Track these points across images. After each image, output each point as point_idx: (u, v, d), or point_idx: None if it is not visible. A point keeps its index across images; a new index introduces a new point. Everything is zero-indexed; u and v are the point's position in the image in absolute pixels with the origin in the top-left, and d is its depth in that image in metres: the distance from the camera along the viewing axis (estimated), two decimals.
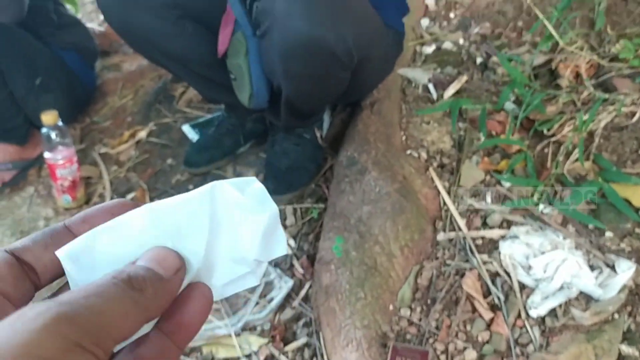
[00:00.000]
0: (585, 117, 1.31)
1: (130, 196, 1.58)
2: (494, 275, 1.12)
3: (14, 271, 0.25)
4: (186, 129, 1.74)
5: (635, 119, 1.33)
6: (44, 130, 1.48)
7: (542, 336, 1.03)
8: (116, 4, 1.33)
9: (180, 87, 1.92)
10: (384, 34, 1.37)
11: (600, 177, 1.23)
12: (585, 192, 1.17)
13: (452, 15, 1.89)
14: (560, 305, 1.04)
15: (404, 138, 1.43)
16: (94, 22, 2.57)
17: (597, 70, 1.50)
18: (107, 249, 0.26)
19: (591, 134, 1.32)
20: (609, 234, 1.15)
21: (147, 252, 0.26)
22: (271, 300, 1.26)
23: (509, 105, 1.47)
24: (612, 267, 1.07)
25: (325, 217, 1.31)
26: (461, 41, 1.77)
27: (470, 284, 1.08)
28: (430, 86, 1.59)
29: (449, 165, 1.36)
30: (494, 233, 1.18)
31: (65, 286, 0.26)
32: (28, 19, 1.55)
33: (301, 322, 1.21)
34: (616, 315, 1.02)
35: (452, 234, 1.20)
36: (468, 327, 1.07)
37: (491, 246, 1.17)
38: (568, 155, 1.29)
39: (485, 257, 1.15)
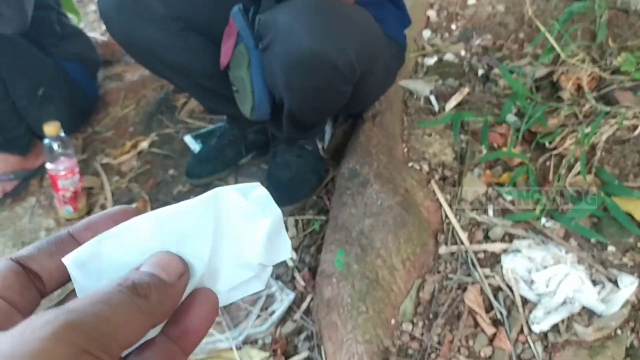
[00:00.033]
0: (587, 130, 1.31)
1: None
2: (496, 290, 1.11)
3: (20, 279, 0.25)
4: (188, 139, 1.74)
5: (637, 132, 1.33)
6: (46, 141, 1.48)
7: (545, 352, 1.02)
8: (118, 15, 1.34)
9: (182, 97, 1.93)
10: (386, 47, 1.38)
11: (602, 190, 1.23)
12: (588, 206, 1.16)
13: (453, 26, 1.90)
14: (562, 321, 1.03)
15: (405, 150, 1.43)
16: (97, 31, 2.58)
17: (599, 83, 1.51)
18: (112, 255, 0.26)
19: (593, 147, 1.32)
20: (611, 248, 1.15)
21: (151, 258, 0.26)
22: (272, 313, 1.26)
23: (511, 118, 1.47)
24: (615, 282, 1.07)
25: (327, 229, 1.31)
26: (463, 53, 1.78)
27: (472, 299, 1.08)
28: (432, 98, 1.59)
29: (451, 178, 1.36)
30: (496, 247, 1.18)
31: (72, 294, 0.27)
32: (31, 29, 1.56)
33: (302, 336, 1.21)
34: (619, 331, 1.01)
35: (454, 248, 1.20)
36: (470, 343, 1.06)
37: (493, 260, 1.17)
38: (570, 168, 1.29)
39: (487, 271, 1.14)
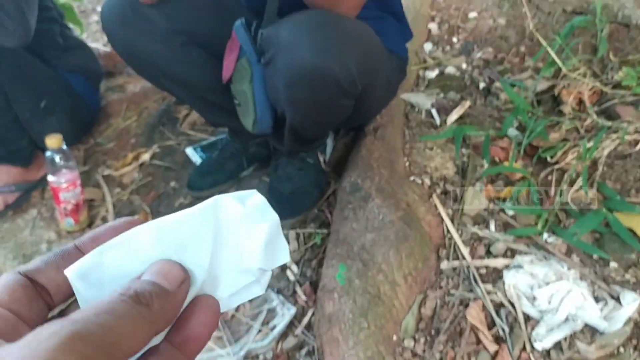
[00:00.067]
0: (589, 145, 1.31)
1: None
2: (499, 306, 1.11)
3: (27, 292, 0.26)
4: (190, 151, 1.74)
5: (638, 147, 1.33)
6: (48, 153, 1.48)
7: None
8: (121, 28, 1.34)
9: (183, 109, 1.93)
10: (387, 61, 1.38)
11: (604, 206, 1.23)
12: (590, 221, 1.16)
13: (454, 39, 1.90)
14: (565, 338, 1.03)
15: (407, 164, 1.43)
16: (99, 42, 2.59)
17: (600, 97, 1.51)
18: (114, 265, 0.27)
19: (595, 162, 1.32)
20: (613, 264, 1.14)
21: (151, 266, 0.26)
22: (273, 328, 1.25)
23: (512, 132, 1.47)
24: (617, 299, 1.07)
25: (329, 243, 1.31)
26: (464, 66, 1.78)
27: (474, 315, 1.08)
28: (434, 111, 1.60)
29: (453, 192, 1.35)
30: (498, 262, 1.18)
31: (74, 304, 0.27)
32: (34, 42, 1.56)
33: (304, 351, 1.20)
34: (621, 349, 1.01)
35: (456, 263, 1.20)
36: None
37: (495, 275, 1.17)
38: (572, 183, 1.29)
39: (489, 286, 1.14)
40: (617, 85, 1.50)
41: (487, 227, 1.27)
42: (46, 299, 0.27)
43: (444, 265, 1.20)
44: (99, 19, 3.01)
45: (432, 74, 1.76)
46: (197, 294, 0.28)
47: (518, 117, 1.47)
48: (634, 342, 1.02)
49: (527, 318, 1.08)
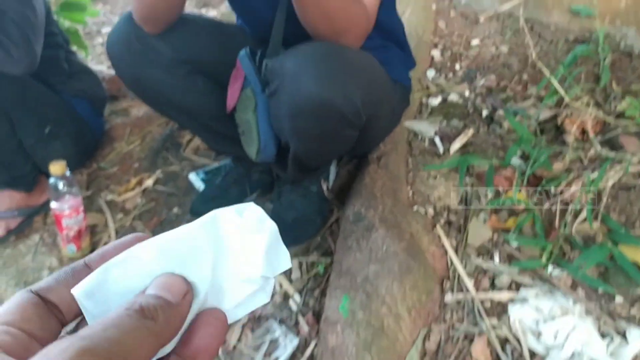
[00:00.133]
0: (593, 176, 1.31)
1: None
2: (504, 341, 1.10)
3: (39, 311, 0.26)
4: (193, 177, 1.74)
5: None
6: (51, 180, 1.48)
7: None
8: (127, 58, 1.35)
9: (187, 134, 1.94)
10: (391, 91, 1.39)
11: (608, 238, 1.22)
12: (595, 255, 1.16)
13: (457, 66, 1.91)
14: None
15: (410, 193, 1.43)
16: (103, 64, 2.61)
17: (603, 127, 1.51)
18: (119, 281, 0.27)
19: (599, 193, 1.32)
20: (619, 298, 1.13)
21: (155, 280, 0.27)
22: (276, 359, 1.24)
23: (516, 161, 1.47)
24: (623, 335, 1.06)
25: (332, 274, 1.30)
26: (467, 93, 1.79)
27: (479, 351, 1.07)
28: (437, 139, 1.60)
29: (456, 223, 1.35)
30: (503, 295, 1.17)
31: (83, 321, 0.28)
32: (39, 68, 1.57)
33: None
34: None
35: (460, 296, 1.19)
36: None
37: (500, 309, 1.16)
38: (576, 215, 1.28)
39: (494, 320, 1.13)
40: (620, 115, 1.50)
41: (492, 258, 1.26)
42: (58, 316, 0.27)
43: (448, 298, 1.19)
44: (103, 41, 3.04)
45: (435, 101, 1.77)
46: (203, 306, 0.28)
47: (521, 147, 1.48)
48: None
49: (532, 354, 1.07)
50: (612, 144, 1.44)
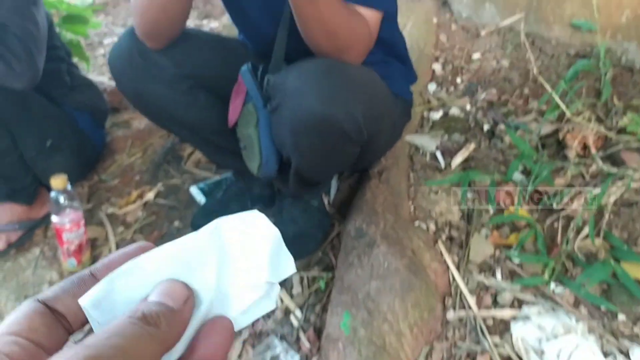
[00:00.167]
0: (595, 192, 1.31)
1: None
2: None
3: (46, 321, 0.27)
4: (194, 191, 1.74)
5: None
6: (52, 194, 1.48)
7: None
8: (128, 72, 1.35)
9: (188, 147, 1.94)
10: (393, 106, 1.39)
11: (611, 255, 1.22)
12: (597, 273, 1.15)
13: (458, 80, 1.91)
14: None
15: (412, 208, 1.43)
16: (105, 75, 2.62)
17: (605, 142, 1.51)
18: (124, 291, 0.28)
19: (601, 209, 1.32)
20: (621, 316, 1.13)
21: (156, 287, 0.28)
22: None
23: (518, 176, 1.47)
24: (627, 354, 1.05)
25: (333, 290, 1.30)
26: (468, 107, 1.79)
27: None
28: (438, 154, 1.60)
29: (458, 239, 1.35)
30: (505, 313, 1.16)
31: (92, 329, 0.28)
32: (41, 81, 1.57)
33: None
34: None
35: (462, 313, 1.19)
36: None
37: (502, 327, 1.15)
38: (578, 231, 1.28)
39: (497, 339, 1.13)
40: (622, 131, 1.50)
41: (494, 275, 1.26)
42: (65, 325, 0.28)
43: (450, 315, 1.18)
44: (105, 52, 3.05)
45: (437, 115, 1.77)
46: (209, 314, 0.29)
47: (523, 162, 1.47)
48: None
49: None
50: (614, 160, 1.44)
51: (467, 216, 1.40)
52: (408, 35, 1.90)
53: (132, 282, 0.28)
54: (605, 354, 1.06)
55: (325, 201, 1.55)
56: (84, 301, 0.27)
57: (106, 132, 2.05)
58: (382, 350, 1.13)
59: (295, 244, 1.46)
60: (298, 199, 1.49)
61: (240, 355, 1.30)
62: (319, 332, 1.29)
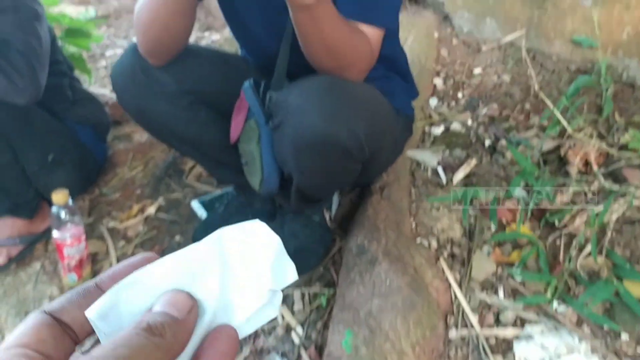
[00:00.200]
0: (597, 209, 1.31)
1: None
2: None
3: (53, 332, 0.27)
4: (195, 205, 1.74)
5: None
6: (54, 209, 1.48)
7: None
8: (131, 89, 1.35)
9: (189, 161, 1.94)
10: (395, 122, 1.39)
11: (613, 273, 1.22)
12: (600, 293, 1.15)
13: (460, 95, 1.92)
14: None
15: (413, 225, 1.43)
16: (107, 88, 2.62)
17: (606, 159, 1.51)
18: (129, 302, 0.28)
19: (603, 227, 1.31)
20: (624, 336, 1.12)
21: (160, 298, 0.28)
22: None
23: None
24: None
25: (335, 307, 1.29)
26: (469, 122, 1.79)
27: None
28: (440, 169, 1.60)
29: (460, 256, 1.34)
30: (508, 332, 1.16)
31: (98, 340, 0.29)
32: (44, 96, 1.57)
33: None
34: None
35: (465, 331, 1.18)
36: None
37: (505, 346, 1.15)
38: (581, 249, 1.28)
39: (499, 358, 1.12)
40: (624, 147, 1.50)
41: (496, 293, 1.25)
42: (72, 336, 0.28)
43: (453, 334, 1.18)
44: (107, 65, 3.06)
45: (438, 130, 1.77)
46: (213, 323, 0.29)
47: (525, 178, 1.47)
48: None
49: None
50: (616, 177, 1.44)
51: (469, 233, 1.39)
52: (409, 49, 1.91)
53: (137, 293, 0.28)
54: None
55: (327, 216, 1.55)
56: (91, 313, 0.28)
57: (108, 145, 2.05)
58: None
59: (297, 259, 1.44)
60: (299, 214, 1.49)
61: None
62: (320, 349, 1.28)
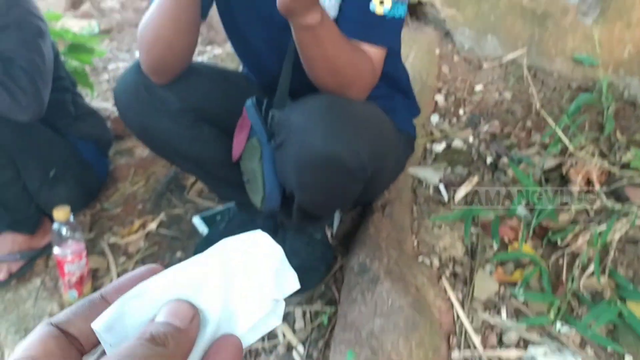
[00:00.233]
0: (600, 229, 1.30)
1: None
2: None
3: (60, 343, 0.28)
4: (197, 221, 1.74)
5: None
6: (55, 225, 1.48)
7: None
8: (134, 106, 1.35)
9: (191, 177, 1.94)
10: (397, 141, 1.39)
11: (616, 294, 1.21)
12: (604, 314, 1.14)
13: (461, 111, 1.92)
14: None
15: (415, 243, 1.43)
16: (109, 102, 2.63)
17: (608, 177, 1.51)
18: (135, 313, 0.29)
19: (606, 247, 1.31)
20: (628, 358, 1.12)
21: (163, 308, 0.29)
22: None
23: (521, 211, 1.47)
24: None
25: (336, 326, 1.28)
26: (471, 139, 1.80)
27: None
28: (442, 187, 1.60)
29: (462, 275, 1.34)
30: (511, 354, 1.15)
31: (104, 351, 0.30)
32: (46, 112, 1.57)
33: None
34: None
35: (468, 353, 1.17)
36: None
37: None
38: (584, 268, 1.27)
39: None
40: (626, 166, 1.50)
41: (499, 313, 1.25)
42: (78, 347, 0.29)
43: (455, 355, 1.17)
44: (109, 78, 3.07)
45: (440, 147, 1.77)
46: (217, 333, 0.29)
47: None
48: None
49: None
50: (618, 195, 1.44)
51: (471, 251, 1.39)
52: (410, 66, 1.92)
53: (142, 305, 0.29)
54: None
55: (328, 234, 1.55)
56: (97, 325, 0.28)
57: (110, 160, 2.05)
58: None
59: (299, 277, 1.45)
60: (301, 231, 1.49)
61: None
62: None
